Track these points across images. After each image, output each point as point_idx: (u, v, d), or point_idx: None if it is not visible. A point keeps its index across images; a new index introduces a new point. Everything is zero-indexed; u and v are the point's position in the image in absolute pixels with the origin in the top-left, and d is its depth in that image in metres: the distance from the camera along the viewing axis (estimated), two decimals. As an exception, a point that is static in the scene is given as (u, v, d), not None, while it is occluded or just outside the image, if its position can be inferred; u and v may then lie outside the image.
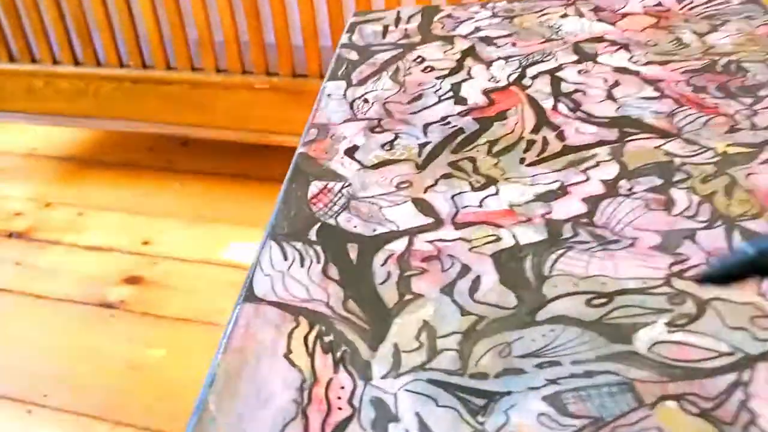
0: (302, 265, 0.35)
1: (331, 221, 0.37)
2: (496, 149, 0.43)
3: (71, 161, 1.89)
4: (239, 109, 1.59)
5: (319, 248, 0.36)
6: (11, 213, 1.71)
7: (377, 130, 0.45)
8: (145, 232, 1.62)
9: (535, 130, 0.44)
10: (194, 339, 1.33)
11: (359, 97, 0.49)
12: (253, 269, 0.34)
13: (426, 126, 0.45)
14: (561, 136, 0.44)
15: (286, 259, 0.35)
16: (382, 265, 0.34)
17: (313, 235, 0.37)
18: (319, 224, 0.37)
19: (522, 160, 0.42)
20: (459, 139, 0.44)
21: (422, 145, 0.43)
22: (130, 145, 1.92)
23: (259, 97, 1.57)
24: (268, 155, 1.77)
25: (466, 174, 0.41)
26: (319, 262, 0.35)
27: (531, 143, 0.43)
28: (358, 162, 0.42)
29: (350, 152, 0.43)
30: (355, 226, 0.37)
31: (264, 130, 1.63)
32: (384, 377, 0.28)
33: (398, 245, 0.35)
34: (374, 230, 0.37)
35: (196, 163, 1.80)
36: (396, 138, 0.44)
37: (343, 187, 0.40)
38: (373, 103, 0.48)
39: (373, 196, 0.39)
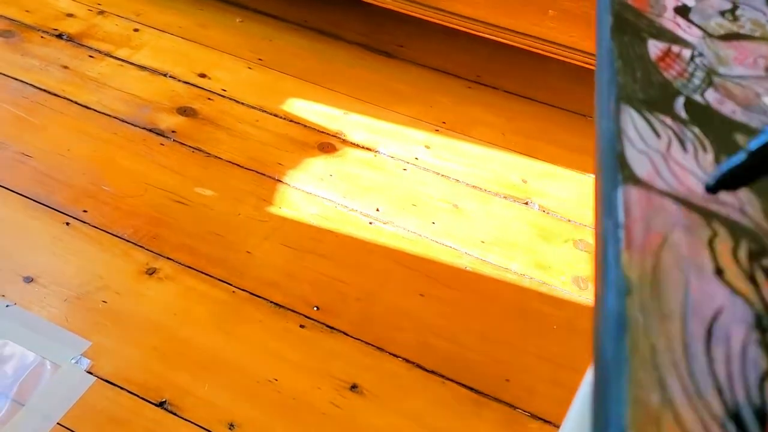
0: (685, 150, 0.25)
1: (698, 98, 0.28)
2: None
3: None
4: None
5: (697, 130, 0.26)
6: (63, 13, 1.58)
7: (705, -8, 0.35)
8: (201, 64, 1.50)
9: None
10: (245, 186, 1.25)
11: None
12: (613, 136, 0.25)
13: (768, 1, 0.35)
14: None
15: (659, 136, 0.26)
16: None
17: (680, 110, 0.27)
18: (682, 97, 0.28)
19: None
20: (820, 27, 0.34)
21: (775, 25, 0.33)
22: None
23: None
24: (335, 10, 1.63)
25: None
26: (705, 150, 0.26)
27: None
28: (698, 27, 0.32)
29: (682, 12, 0.33)
30: (733, 112, 0.28)
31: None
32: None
33: (802, 150, 0.26)
34: (763, 123, 0.27)
35: (261, 2, 1.66)
36: (735, 7, 0.34)
37: (694, 56, 0.30)
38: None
39: (740, 77, 0.29)
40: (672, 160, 0.25)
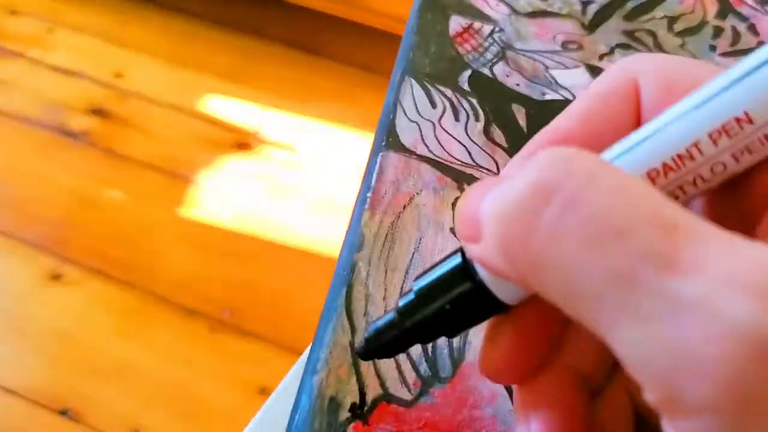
0: (457, 119, 0.26)
1: (485, 71, 0.28)
2: (677, 28, 0.34)
3: (43, -31, 1.69)
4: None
5: (475, 101, 0.27)
6: (-30, 11, 1.53)
7: (523, -28, 0.35)
8: (118, 63, 1.47)
9: (720, 16, 0.36)
10: (156, 188, 1.23)
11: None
12: (391, 109, 0.25)
13: (584, -19, 0.36)
14: (753, 30, 0.35)
15: (434, 106, 0.26)
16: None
17: (464, 82, 0.27)
18: (470, 70, 0.28)
19: (713, 48, 0.33)
20: (629, 5, 0.34)
21: (585, 3, 0.34)
22: (112, -34, 1.73)
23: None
24: (257, 7, 1.62)
25: (646, 48, 0.32)
26: (477, 119, 0.26)
27: (719, 30, 0.35)
28: (507, 4, 0.32)
29: (494, -9, 0.33)
30: (517, 84, 0.28)
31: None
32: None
33: (578, 119, 0.27)
34: (543, 94, 0.28)
35: (181, 0, 1.63)
36: (549, -13, 0.34)
37: (493, 32, 0.30)
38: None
39: (534, 51, 0.30)
40: (441, 128, 0.25)
